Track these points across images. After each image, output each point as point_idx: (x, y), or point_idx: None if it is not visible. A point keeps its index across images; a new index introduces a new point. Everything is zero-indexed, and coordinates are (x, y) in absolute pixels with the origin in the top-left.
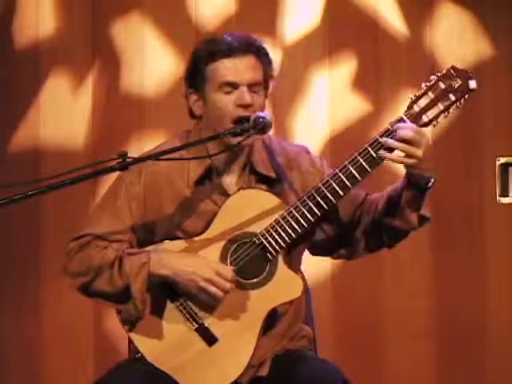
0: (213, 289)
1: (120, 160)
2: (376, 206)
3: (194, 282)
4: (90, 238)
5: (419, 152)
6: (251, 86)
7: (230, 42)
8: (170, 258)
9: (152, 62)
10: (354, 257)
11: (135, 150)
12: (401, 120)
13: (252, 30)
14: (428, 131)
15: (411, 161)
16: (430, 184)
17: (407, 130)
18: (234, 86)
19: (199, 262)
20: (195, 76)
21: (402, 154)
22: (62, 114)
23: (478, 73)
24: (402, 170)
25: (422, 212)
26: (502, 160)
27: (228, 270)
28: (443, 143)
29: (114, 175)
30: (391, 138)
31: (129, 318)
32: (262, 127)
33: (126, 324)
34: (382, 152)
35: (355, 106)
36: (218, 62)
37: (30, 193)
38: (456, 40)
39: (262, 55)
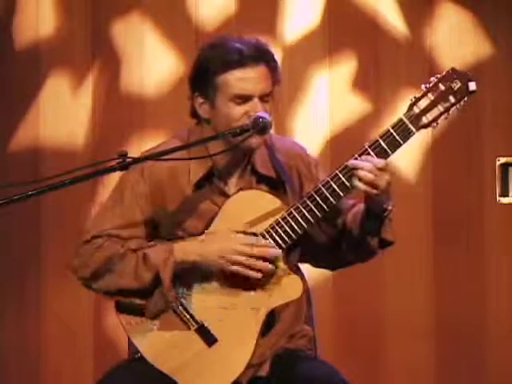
0: (247, 261)
1: (120, 160)
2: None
3: (224, 259)
4: (103, 238)
5: (379, 187)
6: (262, 97)
7: (242, 51)
8: (194, 245)
9: (152, 62)
10: (333, 267)
11: (135, 150)
12: (372, 145)
13: (252, 30)
14: (428, 131)
15: (373, 191)
16: (386, 213)
17: (365, 170)
18: (246, 98)
19: (223, 239)
20: (204, 82)
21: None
22: (62, 114)
23: (477, 73)
24: (403, 171)
25: (383, 236)
26: (502, 160)
27: (264, 241)
28: (443, 143)
29: (114, 175)
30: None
31: (155, 310)
32: (261, 127)
33: (149, 316)
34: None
35: (355, 106)
36: (230, 72)
37: (29, 193)
38: (456, 40)
39: (271, 62)
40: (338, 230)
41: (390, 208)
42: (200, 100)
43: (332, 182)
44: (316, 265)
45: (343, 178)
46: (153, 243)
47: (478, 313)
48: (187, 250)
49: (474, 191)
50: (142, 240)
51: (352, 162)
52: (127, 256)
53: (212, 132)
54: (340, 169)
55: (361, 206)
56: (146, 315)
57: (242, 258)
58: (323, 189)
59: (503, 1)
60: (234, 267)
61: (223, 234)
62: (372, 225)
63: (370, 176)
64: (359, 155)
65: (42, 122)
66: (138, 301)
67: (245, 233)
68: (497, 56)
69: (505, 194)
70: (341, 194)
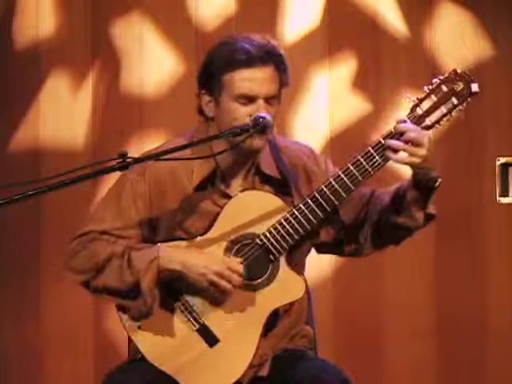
0: (223, 282)
1: (120, 160)
2: (382, 203)
3: (204, 276)
4: (94, 234)
5: (422, 151)
6: (267, 99)
7: (250, 51)
8: (180, 253)
9: (152, 62)
10: (361, 254)
11: (135, 150)
12: (402, 122)
13: (252, 30)
14: (428, 131)
15: (416, 160)
16: (437, 183)
17: (409, 131)
18: (250, 98)
19: (209, 257)
20: (210, 80)
21: (406, 155)
22: (62, 114)
23: (477, 73)
24: (403, 170)
25: (428, 210)
26: (502, 160)
27: (238, 265)
28: (443, 143)
29: (114, 175)
30: (395, 139)
31: (137, 314)
32: (261, 127)
33: (133, 321)
34: (387, 153)
35: (355, 106)
36: (236, 71)
37: (29, 193)
38: (456, 40)
39: (280, 64)
40: (357, 218)
41: (439, 179)
42: (206, 98)
43: (334, 183)
44: (341, 254)
45: (345, 178)
46: (141, 245)
47: (478, 312)
48: (172, 257)
49: (474, 191)
50: (134, 241)
51: (388, 141)
52: (114, 256)
53: (217, 131)
54: (343, 170)
55: (401, 186)
56: (130, 317)
57: (221, 281)
58: (325, 189)
59: (503, 1)
60: (210, 286)
61: (209, 254)
62: (419, 197)
63: (412, 135)
64: (361, 157)
65: (41, 122)
66: (123, 301)
67: (243, 234)
68: (497, 56)
69: (505, 194)
70: (343, 195)
